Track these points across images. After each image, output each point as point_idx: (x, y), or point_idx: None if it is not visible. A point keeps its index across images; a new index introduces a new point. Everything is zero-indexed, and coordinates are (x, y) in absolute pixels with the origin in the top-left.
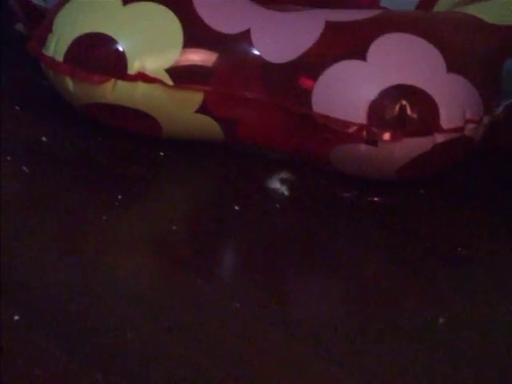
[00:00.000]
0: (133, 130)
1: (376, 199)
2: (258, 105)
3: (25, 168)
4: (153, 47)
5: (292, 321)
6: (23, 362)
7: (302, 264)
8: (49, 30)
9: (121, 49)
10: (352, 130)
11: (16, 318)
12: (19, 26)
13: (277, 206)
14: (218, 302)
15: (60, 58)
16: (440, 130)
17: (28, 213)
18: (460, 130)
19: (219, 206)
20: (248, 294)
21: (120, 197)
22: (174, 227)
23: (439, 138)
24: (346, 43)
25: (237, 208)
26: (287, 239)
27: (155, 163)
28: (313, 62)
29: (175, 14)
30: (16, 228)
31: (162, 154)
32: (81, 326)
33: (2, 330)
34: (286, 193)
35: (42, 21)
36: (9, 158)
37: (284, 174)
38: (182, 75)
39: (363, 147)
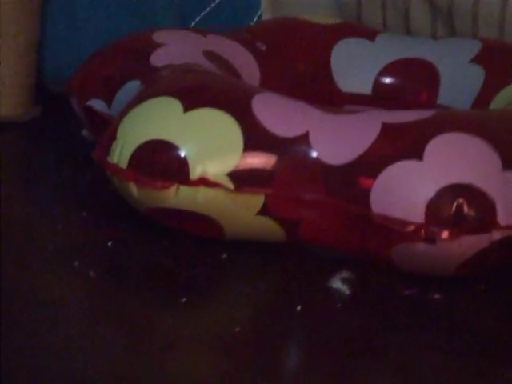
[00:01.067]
0: (196, 232)
1: (436, 296)
2: (318, 206)
3: (92, 273)
4: (214, 152)
5: None
6: None
7: (365, 365)
8: (113, 137)
9: (183, 155)
10: (410, 229)
11: None
12: (85, 133)
13: (338, 305)
14: None
15: (124, 164)
16: (498, 226)
17: (95, 317)
18: None
19: (281, 306)
20: None
21: (184, 299)
22: (237, 329)
23: (497, 235)
24: (402, 144)
25: (299, 309)
26: (350, 339)
27: (219, 265)
28: (371, 163)
29: (234, 119)
30: (82, 331)
31: (224, 255)
32: None
33: None
34: (347, 292)
35: (107, 128)
36: (76, 263)
37: (345, 273)
38: (242, 179)
39: (422, 246)
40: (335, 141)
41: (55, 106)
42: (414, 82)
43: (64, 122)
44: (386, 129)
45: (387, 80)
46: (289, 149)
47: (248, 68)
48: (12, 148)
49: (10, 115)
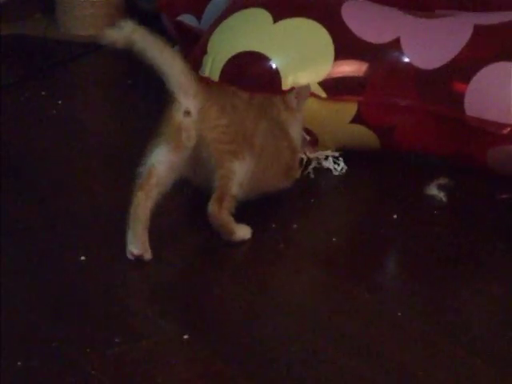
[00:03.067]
0: None
1: None
2: (412, 111)
3: None
4: (305, 62)
5: (455, 329)
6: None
7: (461, 272)
8: (204, 51)
9: (274, 66)
10: (506, 131)
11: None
12: (176, 49)
13: (435, 212)
14: (380, 312)
15: (216, 77)
16: None
17: None
18: None
19: (378, 215)
20: (409, 304)
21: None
22: (334, 239)
23: None
24: (495, 45)
25: (395, 217)
26: (446, 247)
27: (312, 178)
28: (464, 66)
29: (325, 28)
30: None
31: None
32: (247, 340)
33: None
34: (444, 199)
35: (197, 43)
36: None
37: (441, 180)
38: (334, 87)
39: None
40: (427, 45)
41: (146, 25)
42: None
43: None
44: (478, 31)
45: None
46: (380, 55)
47: None
48: (105, 68)
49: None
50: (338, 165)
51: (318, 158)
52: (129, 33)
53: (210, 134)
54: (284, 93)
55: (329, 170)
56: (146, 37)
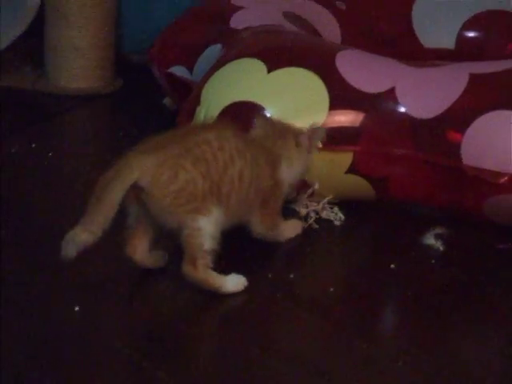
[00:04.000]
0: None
1: None
2: (407, 161)
3: None
4: (300, 112)
5: (455, 377)
6: None
7: (463, 320)
8: (197, 102)
9: (269, 115)
10: (504, 180)
11: None
12: (167, 101)
13: (432, 261)
14: (380, 361)
15: None
16: None
17: None
18: None
19: (375, 265)
20: (410, 354)
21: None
22: (332, 289)
23: None
24: (491, 94)
25: (393, 266)
26: (444, 296)
27: (309, 228)
28: (460, 115)
29: (319, 77)
30: None
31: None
32: None
33: None
34: (442, 248)
35: (189, 94)
36: None
37: (438, 229)
38: (329, 137)
39: None
40: (422, 95)
41: (136, 77)
42: (498, 34)
43: (145, 92)
44: (474, 80)
45: (471, 34)
46: (376, 105)
47: (328, 28)
48: (95, 120)
49: (92, 88)
50: (336, 214)
51: (315, 209)
52: None
53: (163, 201)
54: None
55: (325, 219)
56: None
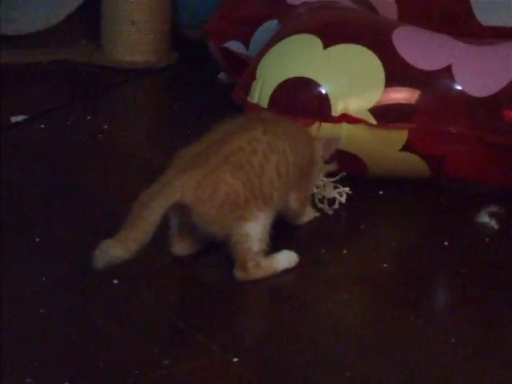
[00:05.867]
0: (339, 168)
1: None
2: (462, 139)
3: None
4: (355, 88)
5: (509, 356)
6: None
7: None
8: (252, 77)
9: (324, 92)
10: None
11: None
12: (222, 76)
13: (487, 239)
14: (433, 338)
15: (265, 103)
16: None
17: None
18: None
19: (429, 242)
20: (462, 330)
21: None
22: (385, 265)
23: None
24: None
25: (446, 244)
26: (498, 274)
27: (365, 202)
28: None
29: (376, 54)
30: None
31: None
32: (297, 364)
33: None
34: (496, 226)
35: (245, 69)
36: None
37: (492, 208)
38: (385, 114)
39: None
40: (479, 73)
41: (191, 52)
42: None
43: (200, 66)
44: None
45: None
46: (432, 82)
47: (385, 4)
48: (150, 94)
49: (147, 62)
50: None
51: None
52: None
53: (208, 215)
54: (333, 119)
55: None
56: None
